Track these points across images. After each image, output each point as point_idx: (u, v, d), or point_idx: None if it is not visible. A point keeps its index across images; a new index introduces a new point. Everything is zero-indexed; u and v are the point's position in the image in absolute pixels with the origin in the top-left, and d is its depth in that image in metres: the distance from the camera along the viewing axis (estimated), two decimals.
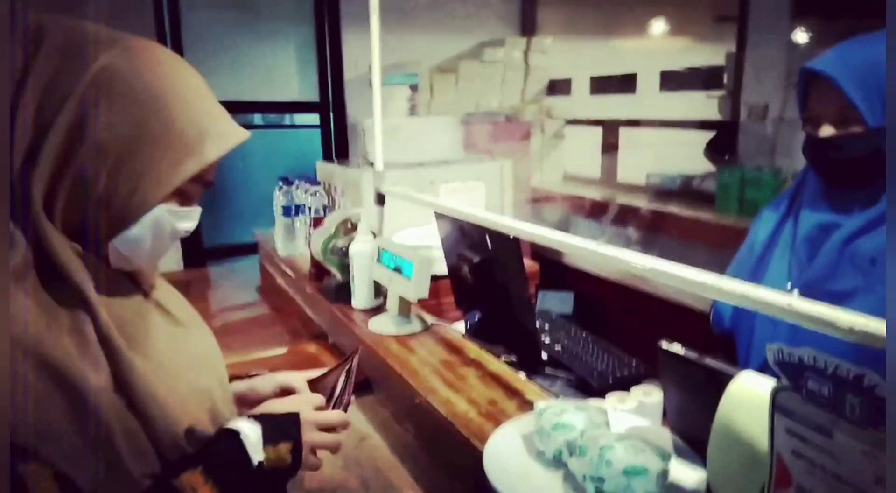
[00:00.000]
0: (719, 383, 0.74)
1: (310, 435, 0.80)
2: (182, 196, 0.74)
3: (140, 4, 2.78)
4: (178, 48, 2.96)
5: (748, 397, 0.69)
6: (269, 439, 0.75)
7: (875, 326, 0.55)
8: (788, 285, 1.09)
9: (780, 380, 0.61)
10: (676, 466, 0.80)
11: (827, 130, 1.01)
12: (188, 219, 0.75)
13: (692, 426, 0.85)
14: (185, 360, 0.77)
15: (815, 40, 2.18)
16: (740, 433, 0.69)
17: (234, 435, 0.74)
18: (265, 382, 0.95)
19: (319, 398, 0.88)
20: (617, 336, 1.56)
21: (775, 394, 0.61)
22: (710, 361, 0.79)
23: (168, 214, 0.72)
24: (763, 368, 1.15)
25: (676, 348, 0.82)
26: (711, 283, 0.69)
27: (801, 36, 2.21)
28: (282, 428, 0.78)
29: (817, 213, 1.07)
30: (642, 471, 0.74)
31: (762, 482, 0.64)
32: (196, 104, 0.72)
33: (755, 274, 1.15)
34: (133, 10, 2.72)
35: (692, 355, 0.80)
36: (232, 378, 0.91)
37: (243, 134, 0.76)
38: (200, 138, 0.71)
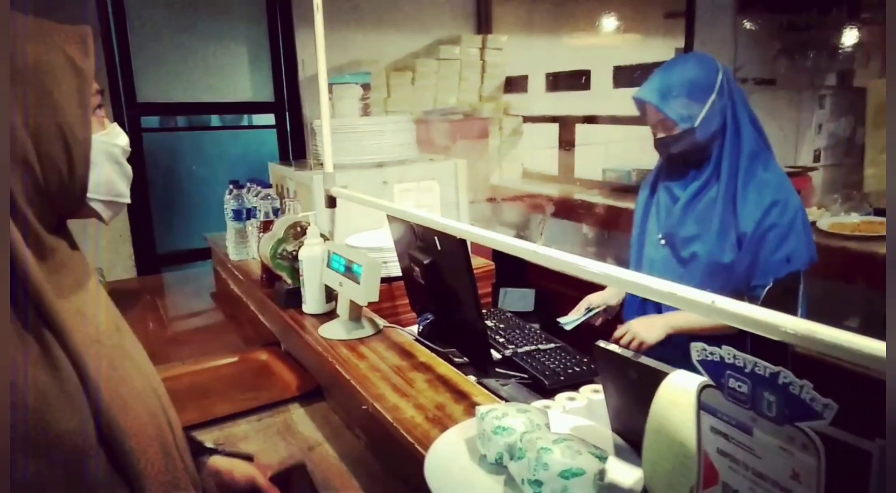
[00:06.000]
0: (654, 381, 0.74)
1: None
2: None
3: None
4: (124, 46, 2.87)
5: (678, 396, 0.69)
6: None
7: (778, 320, 0.56)
8: (659, 236, 1.54)
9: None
10: (615, 465, 0.80)
11: (659, 134, 1.46)
12: (117, 135, 0.74)
13: (631, 425, 0.85)
14: None
15: (758, 35, 2.22)
16: (672, 433, 0.69)
17: None
18: None
19: None
20: (577, 331, 1.57)
21: (700, 392, 0.61)
22: (645, 359, 0.79)
23: (106, 138, 0.71)
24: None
25: (613, 346, 0.82)
26: (641, 282, 0.69)
27: (745, 32, 2.26)
28: None
29: (668, 185, 1.54)
30: (579, 473, 0.74)
31: (694, 480, 0.65)
32: (35, 36, 0.64)
33: (640, 237, 1.60)
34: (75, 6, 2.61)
35: (627, 353, 0.80)
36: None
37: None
38: (63, 55, 0.64)
